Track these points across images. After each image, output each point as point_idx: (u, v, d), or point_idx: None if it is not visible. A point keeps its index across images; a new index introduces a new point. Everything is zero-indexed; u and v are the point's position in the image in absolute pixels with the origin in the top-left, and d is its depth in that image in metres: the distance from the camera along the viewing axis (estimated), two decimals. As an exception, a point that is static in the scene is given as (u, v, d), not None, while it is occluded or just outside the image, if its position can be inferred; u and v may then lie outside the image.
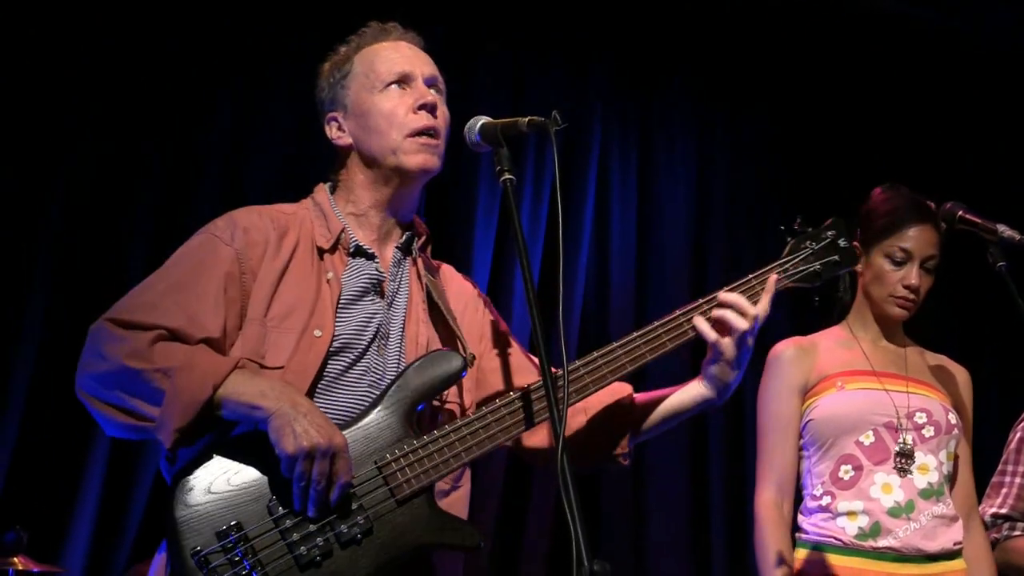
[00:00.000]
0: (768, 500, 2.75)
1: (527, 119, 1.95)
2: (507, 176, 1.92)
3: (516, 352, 2.23)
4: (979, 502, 2.95)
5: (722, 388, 2.10)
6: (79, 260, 3.73)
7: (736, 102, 5.03)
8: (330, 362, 1.96)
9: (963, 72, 5.14)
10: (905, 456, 2.67)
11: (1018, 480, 3.02)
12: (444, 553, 1.95)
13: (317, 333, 1.95)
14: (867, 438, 2.69)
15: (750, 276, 2.13)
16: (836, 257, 2.22)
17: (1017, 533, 2.97)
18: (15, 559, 3.21)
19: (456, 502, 2.02)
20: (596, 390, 2.03)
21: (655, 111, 4.89)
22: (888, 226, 2.77)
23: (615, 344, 2.04)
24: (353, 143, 2.15)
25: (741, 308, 2.04)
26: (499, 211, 4.38)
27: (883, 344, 2.86)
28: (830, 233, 2.23)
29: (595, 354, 2.03)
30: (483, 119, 2.05)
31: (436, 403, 2.03)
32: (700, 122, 4.98)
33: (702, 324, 2.04)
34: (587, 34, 4.76)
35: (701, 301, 2.08)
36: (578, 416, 2.15)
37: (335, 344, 1.96)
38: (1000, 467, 3.08)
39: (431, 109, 2.11)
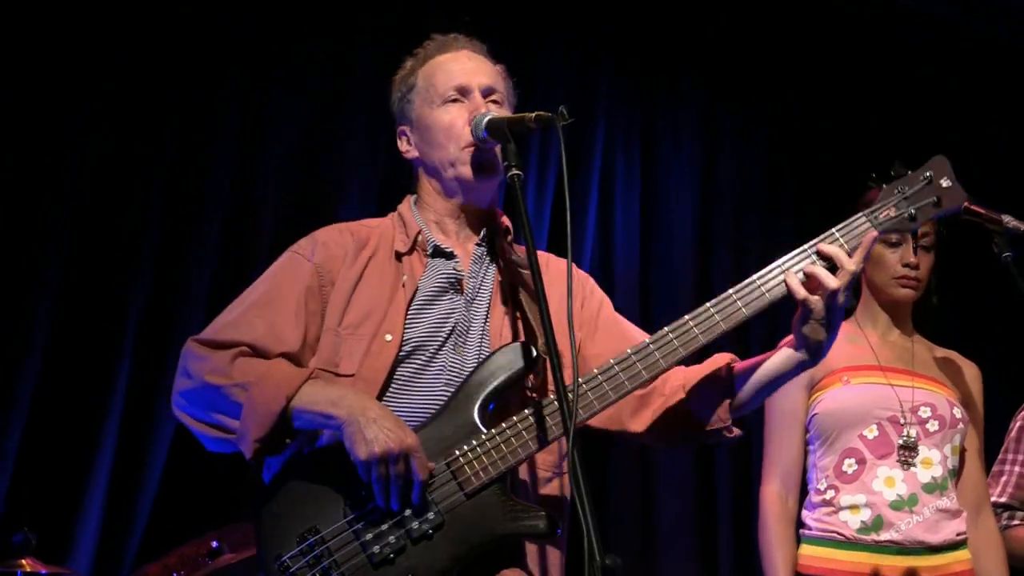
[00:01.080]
0: (772, 493, 2.77)
1: (534, 114, 1.96)
2: (514, 172, 1.92)
3: (618, 336, 2.17)
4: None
5: (815, 348, 1.99)
6: (85, 261, 3.72)
7: (741, 98, 5.02)
8: (403, 364, 1.99)
9: (970, 67, 5.12)
10: (908, 450, 2.68)
11: (1017, 469, 3.03)
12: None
13: (388, 337, 1.99)
14: (871, 432, 2.69)
15: (832, 230, 2.01)
16: (934, 198, 2.03)
17: (1016, 522, 2.98)
18: (23, 561, 3.20)
19: (557, 489, 2.04)
20: (668, 367, 1.97)
21: (659, 107, 4.88)
22: None
23: (687, 317, 1.98)
24: (419, 156, 2.21)
25: (840, 261, 1.95)
26: (502, 206, 4.36)
27: (891, 338, 2.86)
28: (928, 174, 2.04)
29: (665, 330, 1.98)
30: (490, 114, 2.06)
31: (527, 392, 2.02)
32: (704, 118, 4.96)
33: (792, 280, 1.95)
34: (591, 31, 4.76)
35: (780, 262, 1.99)
36: (677, 394, 2.09)
37: (406, 347, 2.00)
38: (1000, 456, 3.09)
39: None
